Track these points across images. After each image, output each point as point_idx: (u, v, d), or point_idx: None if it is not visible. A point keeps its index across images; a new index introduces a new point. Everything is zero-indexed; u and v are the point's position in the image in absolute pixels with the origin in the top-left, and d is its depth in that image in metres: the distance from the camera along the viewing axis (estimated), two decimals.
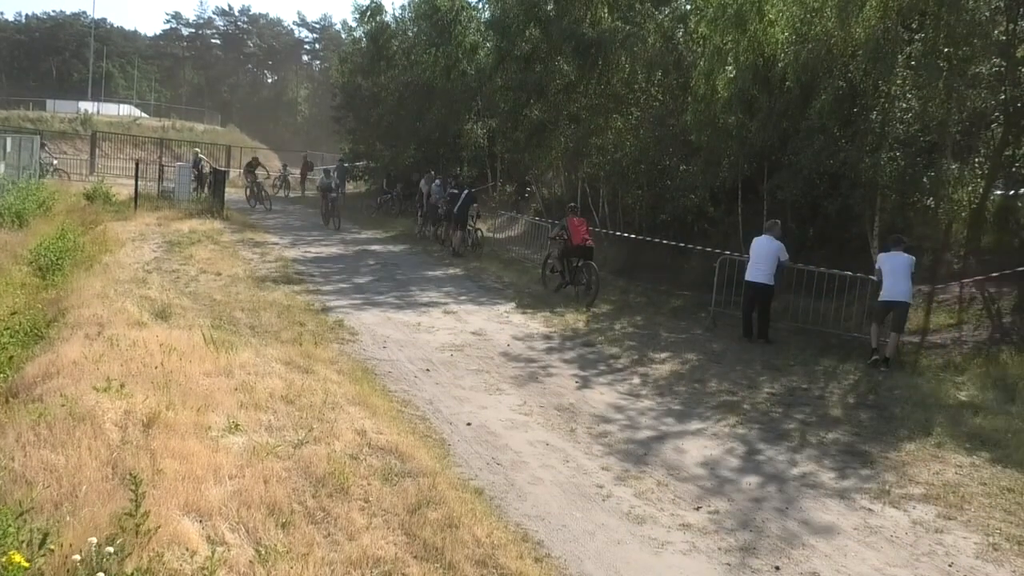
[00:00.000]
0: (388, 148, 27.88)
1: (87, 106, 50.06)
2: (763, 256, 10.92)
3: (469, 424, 7.00)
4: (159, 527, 3.96)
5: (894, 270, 9.84)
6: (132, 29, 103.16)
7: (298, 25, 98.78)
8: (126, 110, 54.93)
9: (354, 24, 32.69)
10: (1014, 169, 12.48)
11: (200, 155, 25.34)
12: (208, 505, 4.54)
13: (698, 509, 5.61)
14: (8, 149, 20.14)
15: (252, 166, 26.48)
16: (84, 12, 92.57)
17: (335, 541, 4.47)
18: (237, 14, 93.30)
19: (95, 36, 71.74)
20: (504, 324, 11.13)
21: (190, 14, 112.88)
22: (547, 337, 10.58)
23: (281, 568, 4.04)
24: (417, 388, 7.93)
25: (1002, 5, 11.54)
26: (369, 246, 18.62)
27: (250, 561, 4.08)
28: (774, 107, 12.90)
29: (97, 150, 36.34)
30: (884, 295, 9.88)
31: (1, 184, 16.97)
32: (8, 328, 7.93)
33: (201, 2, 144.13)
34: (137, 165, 22.35)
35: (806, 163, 12.16)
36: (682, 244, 14.31)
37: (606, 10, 17.15)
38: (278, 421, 6.14)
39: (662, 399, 8.23)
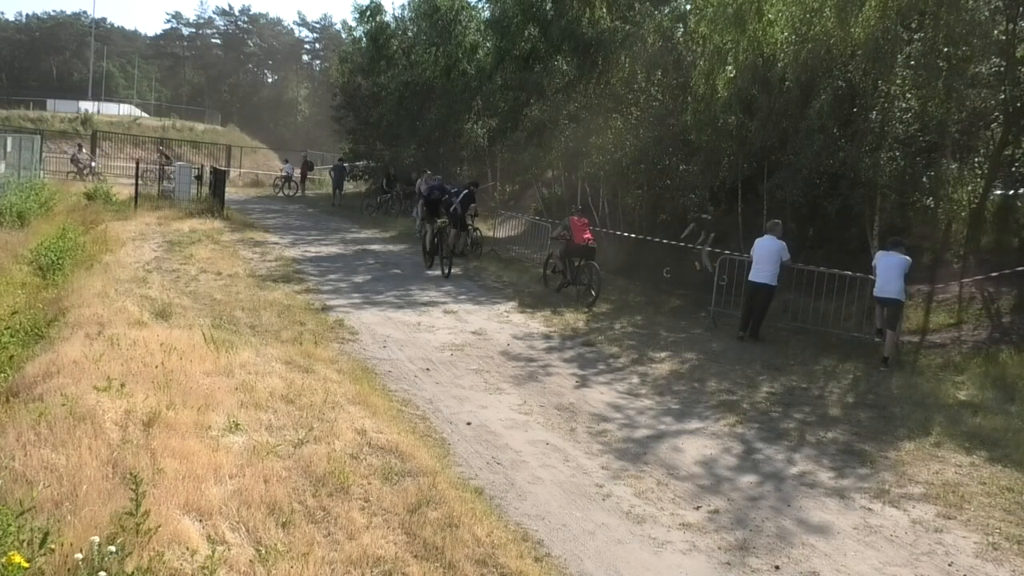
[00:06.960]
0: (388, 148, 27.90)
1: (87, 106, 50.12)
2: (766, 257, 10.93)
3: (469, 423, 7.01)
4: (159, 526, 3.96)
5: (887, 268, 10.04)
6: (132, 29, 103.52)
7: (298, 25, 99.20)
8: (126, 110, 54.95)
9: (354, 24, 32.75)
10: (1014, 169, 12.49)
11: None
12: (208, 504, 4.54)
13: (697, 508, 5.61)
14: (9, 149, 20.18)
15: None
16: (84, 12, 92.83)
17: (335, 540, 4.47)
18: (237, 14, 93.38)
19: (95, 36, 71.85)
20: (504, 323, 11.13)
21: (190, 14, 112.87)
22: (547, 336, 10.59)
23: (281, 567, 4.05)
24: (417, 387, 7.93)
25: (1002, 5, 11.55)
26: (369, 245, 18.61)
27: (250, 560, 4.09)
28: (774, 107, 12.90)
29: (97, 150, 36.36)
30: (876, 291, 10.15)
31: (2, 184, 16.99)
32: (9, 327, 7.93)
33: (201, 2, 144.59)
34: (137, 165, 22.37)
35: (806, 163, 12.15)
36: (682, 244, 14.32)
37: (605, 9, 17.14)
38: (278, 420, 6.15)
39: (661, 398, 8.23)
